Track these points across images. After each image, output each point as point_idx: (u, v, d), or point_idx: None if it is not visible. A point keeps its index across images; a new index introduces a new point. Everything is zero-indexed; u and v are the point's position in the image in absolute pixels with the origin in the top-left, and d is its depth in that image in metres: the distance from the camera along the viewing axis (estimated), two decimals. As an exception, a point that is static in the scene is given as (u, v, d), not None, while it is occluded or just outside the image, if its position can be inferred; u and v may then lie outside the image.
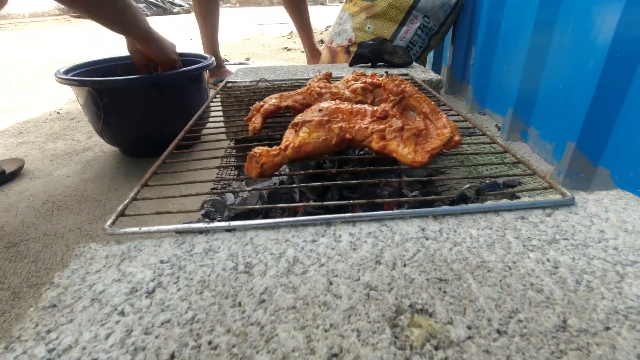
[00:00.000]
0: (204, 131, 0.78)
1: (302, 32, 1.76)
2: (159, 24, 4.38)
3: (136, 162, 0.98)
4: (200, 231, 0.31)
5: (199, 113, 0.60)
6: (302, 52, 2.51)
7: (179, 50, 0.97)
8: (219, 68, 1.61)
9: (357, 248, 0.28)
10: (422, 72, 0.84)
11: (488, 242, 0.28)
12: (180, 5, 6.27)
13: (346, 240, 0.29)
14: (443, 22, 1.26)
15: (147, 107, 0.89)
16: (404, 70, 0.86)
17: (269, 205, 0.38)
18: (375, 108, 0.45)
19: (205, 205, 0.33)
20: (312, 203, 0.47)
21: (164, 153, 0.46)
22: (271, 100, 0.53)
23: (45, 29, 4.33)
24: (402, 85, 0.44)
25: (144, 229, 0.31)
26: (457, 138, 0.40)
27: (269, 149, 0.38)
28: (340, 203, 0.36)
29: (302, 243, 0.29)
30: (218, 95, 0.72)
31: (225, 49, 2.66)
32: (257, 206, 0.35)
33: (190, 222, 0.31)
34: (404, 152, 0.39)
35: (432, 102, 0.43)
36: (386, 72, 0.45)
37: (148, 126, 0.91)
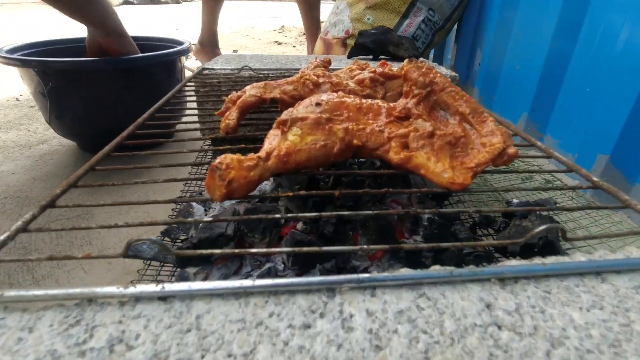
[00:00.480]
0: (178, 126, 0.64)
1: (308, 30, 1.63)
2: (145, 13, 4.17)
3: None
4: (109, 299, 0.18)
5: (160, 103, 0.47)
6: (294, 47, 2.38)
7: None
8: (213, 49, 1.49)
9: (381, 344, 0.16)
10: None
11: (606, 335, 0.16)
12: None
13: (361, 324, 0.17)
14: (449, 16, 1.15)
15: (107, 95, 0.75)
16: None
17: (234, 251, 0.25)
18: (392, 105, 0.33)
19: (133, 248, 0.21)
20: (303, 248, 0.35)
21: (94, 157, 0.33)
22: (252, 90, 0.40)
23: (22, 11, 4.08)
24: (431, 75, 0.32)
25: (12, 293, 0.18)
26: (511, 150, 0.28)
27: (242, 158, 0.26)
28: (345, 250, 0.23)
29: (287, 331, 0.16)
30: (191, 84, 0.59)
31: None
32: (216, 251, 0.22)
33: (94, 287, 0.18)
34: (437, 168, 0.27)
35: (473, 100, 0.31)
36: (409, 57, 0.33)
37: (109, 117, 0.77)
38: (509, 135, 0.29)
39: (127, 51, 0.76)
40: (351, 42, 1.15)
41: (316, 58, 0.49)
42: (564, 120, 0.81)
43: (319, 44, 1.26)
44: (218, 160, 0.25)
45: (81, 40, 0.96)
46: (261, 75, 0.62)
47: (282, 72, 0.64)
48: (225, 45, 2.43)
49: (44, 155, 0.89)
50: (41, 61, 0.68)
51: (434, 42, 1.18)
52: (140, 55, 0.77)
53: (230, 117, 0.36)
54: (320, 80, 0.39)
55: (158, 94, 0.79)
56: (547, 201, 0.49)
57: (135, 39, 0.86)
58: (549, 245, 0.40)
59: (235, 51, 2.23)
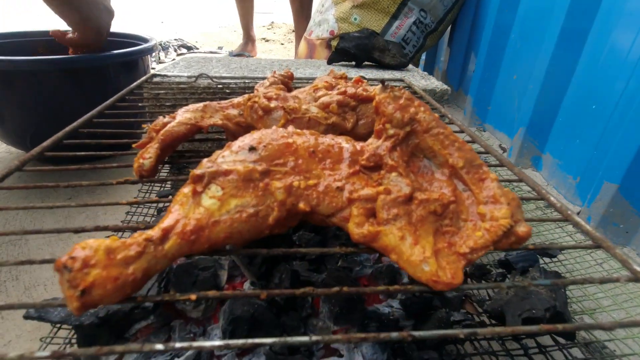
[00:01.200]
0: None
1: (298, 29, 1.54)
2: (131, 2, 4.00)
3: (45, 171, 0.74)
4: None
5: (87, 117, 0.37)
6: (282, 44, 2.28)
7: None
8: (246, 44, 1.73)
9: None
10: (421, 78, 0.64)
11: None
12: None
13: None
14: (442, 19, 1.07)
15: (53, 97, 0.66)
16: (397, 74, 0.65)
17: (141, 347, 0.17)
18: (358, 146, 0.24)
19: None
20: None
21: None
22: (185, 115, 0.31)
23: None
24: (412, 109, 0.24)
25: None
26: (522, 230, 0.20)
27: (114, 244, 0.17)
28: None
29: None
30: (134, 94, 0.49)
31: (198, 37, 2.40)
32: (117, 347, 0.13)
33: None
34: (414, 255, 0.19)
35: (468, 146, 0.23)
36: (382, 82, 0.24)
37: (56, 122, 0.67)
38: (517, 205, 0.20)
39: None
40: (336, 42, 1.05)
41: (275, 71, 0.40)
42: (565, 139, 0.73)
43: (302, 45, 1.17)
44: (70, 253, 0.16)
45: (40, 34, 0.86)
46: (219, 86, 0.53)
47: (247, 81, 0.55)
48: (211, 42, 2.33)
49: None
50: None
51: (425, 45, 1.09)
52: (91, 55, 0.67)
53: (147, 154, 0.27)
54: (272, 104, 0.30)
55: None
56: (550, 251, 0.41)
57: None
58: (557, 316, 0.32)
59: (219, 48, 2.12)
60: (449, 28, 1.18)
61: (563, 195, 0.72)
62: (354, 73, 0.67)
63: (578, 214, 0.64)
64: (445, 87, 0.58)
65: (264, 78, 0.58)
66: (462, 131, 0.40)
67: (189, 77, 0.55)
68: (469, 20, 1.08)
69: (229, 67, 0.66)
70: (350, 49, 0.68)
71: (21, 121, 0.69)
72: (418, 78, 0.63)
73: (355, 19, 1.04)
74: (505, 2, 0.92)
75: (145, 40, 0.82)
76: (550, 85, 0.75)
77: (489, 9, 0.97)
